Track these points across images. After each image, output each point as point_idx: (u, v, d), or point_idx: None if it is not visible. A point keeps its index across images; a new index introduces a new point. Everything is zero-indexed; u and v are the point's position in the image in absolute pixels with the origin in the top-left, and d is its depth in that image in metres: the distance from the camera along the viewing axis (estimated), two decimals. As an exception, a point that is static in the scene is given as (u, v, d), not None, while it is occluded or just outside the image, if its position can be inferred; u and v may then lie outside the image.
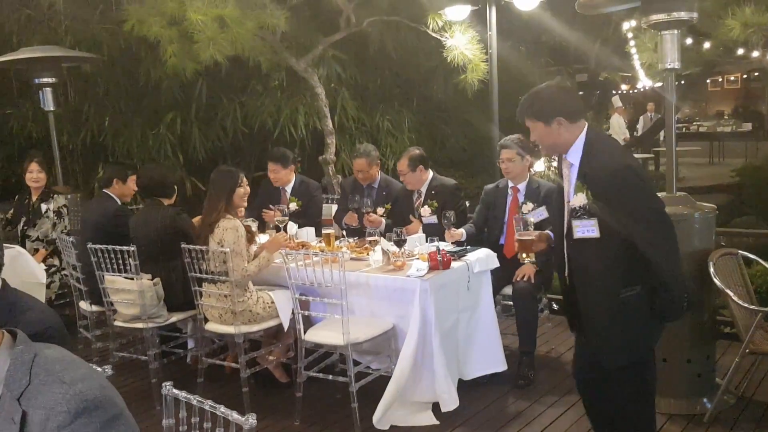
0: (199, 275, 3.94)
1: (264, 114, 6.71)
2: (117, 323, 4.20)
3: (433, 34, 5.53)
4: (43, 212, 5.43)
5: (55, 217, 5.37)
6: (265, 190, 5.41)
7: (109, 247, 4.00)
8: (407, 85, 8.32)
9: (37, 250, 5.32)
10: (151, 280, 4.06)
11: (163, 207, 4.19)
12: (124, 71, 7.15)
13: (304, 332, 3.77)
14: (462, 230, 4.40)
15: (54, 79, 6.10)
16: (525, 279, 4.25)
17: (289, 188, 5.31)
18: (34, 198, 5.51)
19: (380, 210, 4.97)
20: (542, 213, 4.30)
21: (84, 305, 4.54)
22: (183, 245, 3.92)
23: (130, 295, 4.03)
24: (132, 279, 4.00)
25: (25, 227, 5.44)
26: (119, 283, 4.06)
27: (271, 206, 4.91)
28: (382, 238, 4.20)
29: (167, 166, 4.48)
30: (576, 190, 2.60)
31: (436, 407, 3.77)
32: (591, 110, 14.46)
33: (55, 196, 5.48)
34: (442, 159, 8.58)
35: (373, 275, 3.85)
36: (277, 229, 4.50)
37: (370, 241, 4.13)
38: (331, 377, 3.76)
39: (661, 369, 3.78)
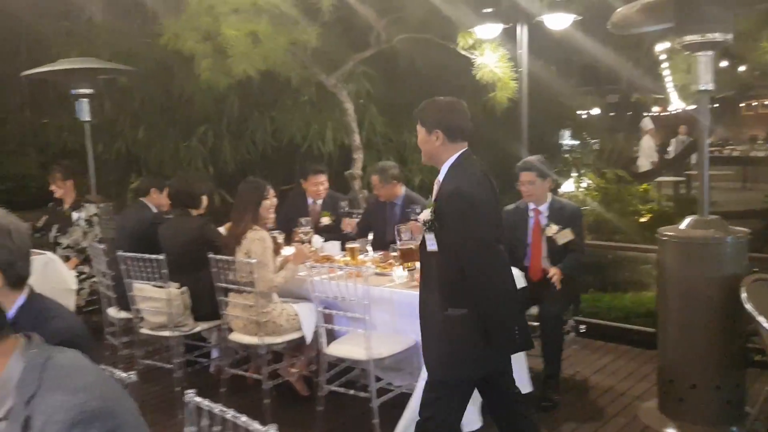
0: (225, 285, 3.97)
1: (293, 128, 6.77)
2: (143, 330, 4.25)
3: (463, 52, 5.53)
4: (74, 220, 5.53)
5: (87, 226, 5.47)
6: (293, 202, 5.45)
7: (139, 255, 4.06)
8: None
9: (67, 258, 5.41)
10: (179, 288, 4.10)
11: (191, 217, 4.25)
12: (159, 84, 7.27)
13: (327, 346, 3.77)
14: None
15: (90, 90, 6.24)
16: (555, 279, 4.17)
17: (320, 201, 5.35)
18: (66, 206, 5.63)
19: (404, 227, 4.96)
20: (567, 235, 4.27)
21: (112, 312, 4.60)
22: (210, 255, 3.96)
23: (158, 303, 4.08)
24: (161, 287, 4.05)
25: (57, 235, 5.55)
26: (148, 291, 4.12)
27: (300, 221, 4.93)
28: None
29: (197, 176, 4.55)
30: (427, 206, 2.85)
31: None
32: (622, 131, 14.34)
33: (87, 204, 5.58)
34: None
35: (396, 291, 3.85)
36: (302, 242, 4.53)
37: (394, 257, 4.13)
38: (352, 392, 3.74)
39: (689, 395, 3.74)
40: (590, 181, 13.39)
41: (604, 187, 13.23)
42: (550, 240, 4.36)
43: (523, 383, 4.09)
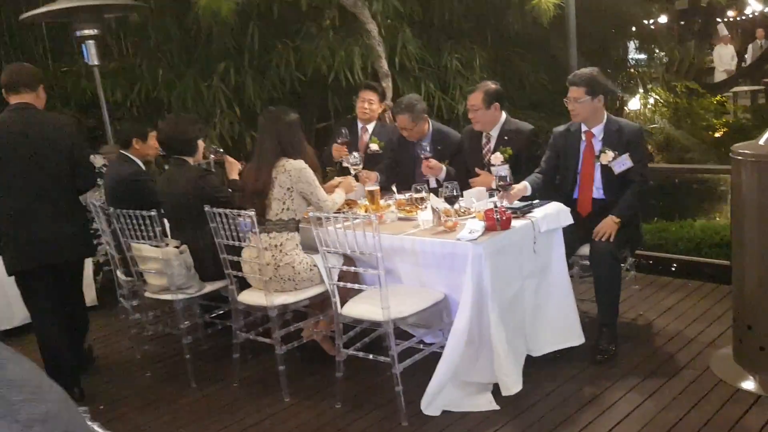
0: (227, 242, 3.53)
1: (318, 58, 6.15)
2: (147, 294, 3.89)
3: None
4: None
5: (98, 179, 5.11)
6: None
7: (131, 212, 3.65)
8: (479, 19, 7.51)
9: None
10: (178, 247, 3.69)
11: (186, 167, 3.78)
12: (174, 19, 6.75)
13: (341, 306, 3.30)
14: (525, 184, 3.76)
15: (96, 31, 5.79)
16: (605, 238, 3.59)
17: (370, 127, 4.82)
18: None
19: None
20: (626, 162, 3.60)
21: (120, 274, 4.26)
22: (207, 209, 3.51)
23: (157, 264, 3.69)
24: (157, 247, 3.65)
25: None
26: (145, 251, 3.72)
27: (353, 154, 4.38)
28: (431, 193, 3.63)
29: (187, 118, 4.02)
30: None
31: (497, 389, 3.24)
32: (693, 39, 13.05)
33: (96, 156, 5.19)
34: (520, 100, 7.77)
35: (419, 239, 3.31)
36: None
37: (417, 198, 3.57)
38: (371, 356, 3.28)
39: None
40: (658, 97, 12.34)
41: (674, 102, 12.17)
42: (605, 168, 3.71)
43: (573, 334, 3.56)
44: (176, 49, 6.93)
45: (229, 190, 4.01)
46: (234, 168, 4.07)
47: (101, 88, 5.95)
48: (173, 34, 6.83)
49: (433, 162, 4.16)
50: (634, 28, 10.84)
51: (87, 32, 5.73)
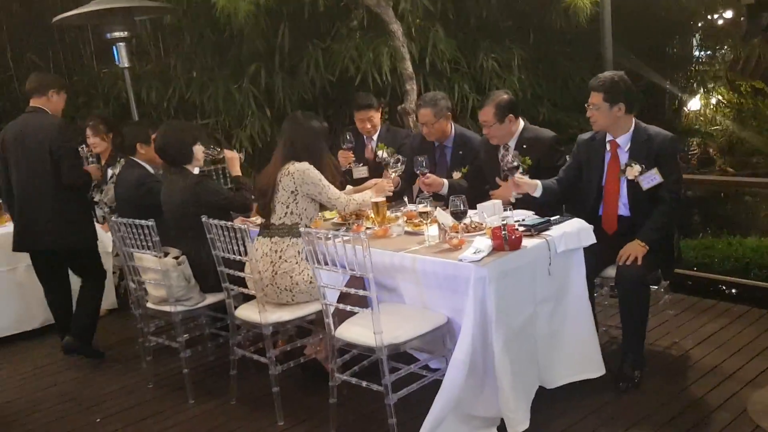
0: (224, 255, 3.37)
1: (345, 59, 5.96)
2: (148, 305, 3.77)
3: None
4: (108, 177, 5.14)
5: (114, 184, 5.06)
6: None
7: (130, 221, 3.54)
8: (519, 18, 7.18)
9: (104, 218, 5.07)
10: (176, 258, 3.55)
11: (184, 175, 3.64)
12: (207, 21, 6.69)
13: (335, 328, 3.09)
14: (537, 182, 3.50)
15: (126, 33, 5.77)
16: (629, 262, 3.26)
17: (375, 137, 4.65)
18: (102, 163, 5.25)
19: (456, 174, 4.13)
20: (654, 177, 3.27)
21: (130, 282, 4.18)
22: (204, 220, 3.36)
23: (156, 274, 3.57)
24: (157, 257, 3.52)
25: (93, 192, 5.20)
26: (146, 261, 3.61)
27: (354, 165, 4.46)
28: (438, 207, 3.37)
29: (184, 125, 3.88)
30: None
31: (504, 425, 2.96)
32: (760, 36, 12.26)
33: (121, 160, 5.15)
34: (564, 101, 7.42)
35: (420, 257, 3.06)
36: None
37: (422, 212, 3.32)
38: (365, 384, 3.04)
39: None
40: (720, 97, 11.66)
41: (738, 103, 11.48)
42: (632, 184, 3.38)
43: (592, 364, 3.25)
44: (209, 51, 6.88)
45: (235, 188, 3.89)
46: (234, 162, 3.95)
47: (131, 90, 5.94)
48: (206, 36, 6.78)
49: (431, 178, 3.91)
50: (700, 24, 10.29)
51: (117, 34, 5.73)
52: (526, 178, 3.49)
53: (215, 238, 3.36)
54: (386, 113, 6.35)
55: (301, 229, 2.99)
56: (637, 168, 3.31)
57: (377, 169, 4.40)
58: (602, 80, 3.36)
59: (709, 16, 10.30)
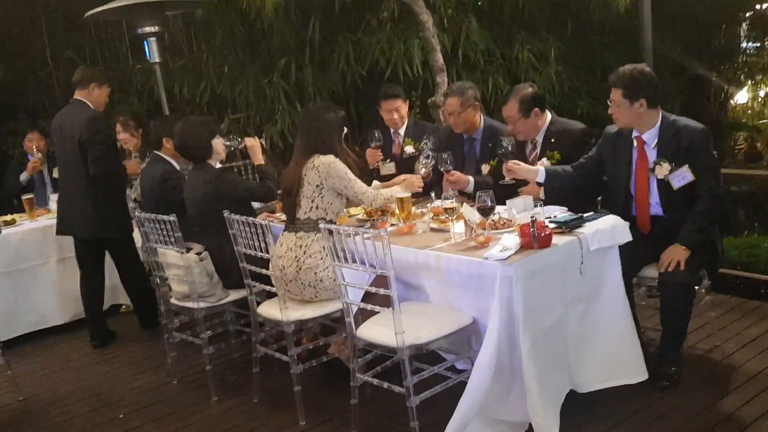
0: (246, 251, 3.31)
1: (375, 52, 5.85)
2: (172, 301, 3.74)
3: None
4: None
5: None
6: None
7: (153, 216, 3.50)
8: (556, 7, 6.97)
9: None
10: (199, 254, 3.50)
11: (205, 170, 3.59)
12: (238, 15, 6.65)
13: (356, 327, 3.00)
14: (538, 168, 3.37)
15: (157, 28, 5.76)
16: (672, 267, 3.09)
17: (402, 131, 4.52)
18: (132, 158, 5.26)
19: (485, 167, 3.99)
20: (685, 175, 3.09)
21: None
22: (226, 215, 3.31)
23: (179, 270, 3.53)
24: (180, 253, 3.48)
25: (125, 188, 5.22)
26: (169, 257, 3.57)
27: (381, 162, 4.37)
28: (464, 204, 3.24)
29: (200, 119, 3.80)
30: None
31: (532, 430, 2.84)
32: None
33: (150, 155, 5.15)
34: (603, 94, 7.16)
35: (444, 255, 2.94)
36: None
37: (447, 209, 3.19)
38: (386, 385, 2.94)
39: None
40: (769, 89, 11.22)
41: (788, 95, 11.02)
42: (662, 183, 3.20)
43: (631, 369, 3.09)
44: (240, 46, 6.84)
45: (259, 177, 3.84)
46: (256, 150, 3.86)
47: (162, 85, 5.94)
48: (237, 31, 6.75)
49: (456, 175, 3.77)
50: (747, 14, 9.90)
51: (148, 29, 5.72)
52: (522, 164, 3.34)
53: (237, 234, 3.31)
54: (417, 106, 6.21)
55: (321, 225, 2.91)
56: (666, 166, 3.13)
57: (405, 165, 4.28)
58: (620, 75, 3.19)
59: (757, 6, 9.91)
